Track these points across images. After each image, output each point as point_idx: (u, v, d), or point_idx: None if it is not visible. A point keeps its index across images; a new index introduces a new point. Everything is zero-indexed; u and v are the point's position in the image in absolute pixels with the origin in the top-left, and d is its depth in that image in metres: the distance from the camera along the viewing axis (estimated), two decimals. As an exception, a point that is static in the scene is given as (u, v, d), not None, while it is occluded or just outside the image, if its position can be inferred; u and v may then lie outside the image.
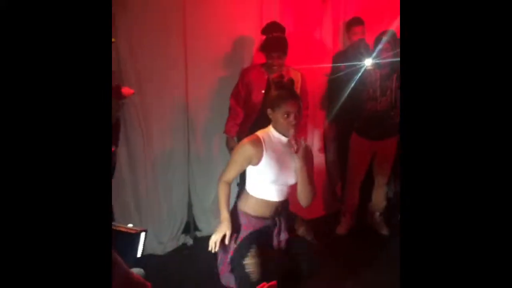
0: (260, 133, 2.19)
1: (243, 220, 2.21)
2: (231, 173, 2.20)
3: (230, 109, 3.20)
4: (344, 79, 3.31)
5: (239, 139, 3.21)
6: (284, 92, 2.15)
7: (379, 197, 3.57)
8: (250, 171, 2.19)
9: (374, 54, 3.12)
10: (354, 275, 3.00)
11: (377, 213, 3.60)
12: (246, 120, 3.17)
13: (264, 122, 3.04)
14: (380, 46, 3.11)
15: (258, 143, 2.13)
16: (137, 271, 1.86)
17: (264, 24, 3.14)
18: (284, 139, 2.17)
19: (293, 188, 2.25)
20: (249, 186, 2.22)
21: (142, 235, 1.87)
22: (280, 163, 2.14)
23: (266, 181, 2.15)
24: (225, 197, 2.19)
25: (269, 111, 2.18)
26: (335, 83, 3.53)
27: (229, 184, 2.22)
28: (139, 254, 1.87)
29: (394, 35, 3.15)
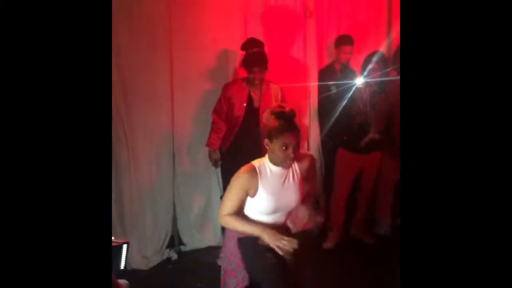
0: (256, 163, 2.09)
1: (233, 241, 2.14)
2: (231, 204, 2.05)
3: (212, 123, 3.26)
4: (334, 96, 3.39)
5: (221, 152, 3.26)
6: (284, 123, 2.01)
7: (363, 209, 3.61)
8: (247, 201, 2.09)
9: (364, 74, 3.23)
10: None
11: (361, 224, 3.64)
12: (228, 133, 3.23)
13: (245, 135, 3.12)
14: (369, 67, 3.21)
15: (253, 173, 2.04)
16: (122, 282, 1.86)
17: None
18: (279, 170, 2.08)
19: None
20: (246, 214, 2.14)
21: (124, 247, 1.86)
22: (276, 193, 2.06)
23: (263, 213, 2.09)
24: (241, 221, 2.04)
25: (266, 141, 2.07)
26: (325, 99, 3.60)
27: (232, 215, 2.06)
28: (122, 266, 1.86)
29: (382, 56, 3.24)
